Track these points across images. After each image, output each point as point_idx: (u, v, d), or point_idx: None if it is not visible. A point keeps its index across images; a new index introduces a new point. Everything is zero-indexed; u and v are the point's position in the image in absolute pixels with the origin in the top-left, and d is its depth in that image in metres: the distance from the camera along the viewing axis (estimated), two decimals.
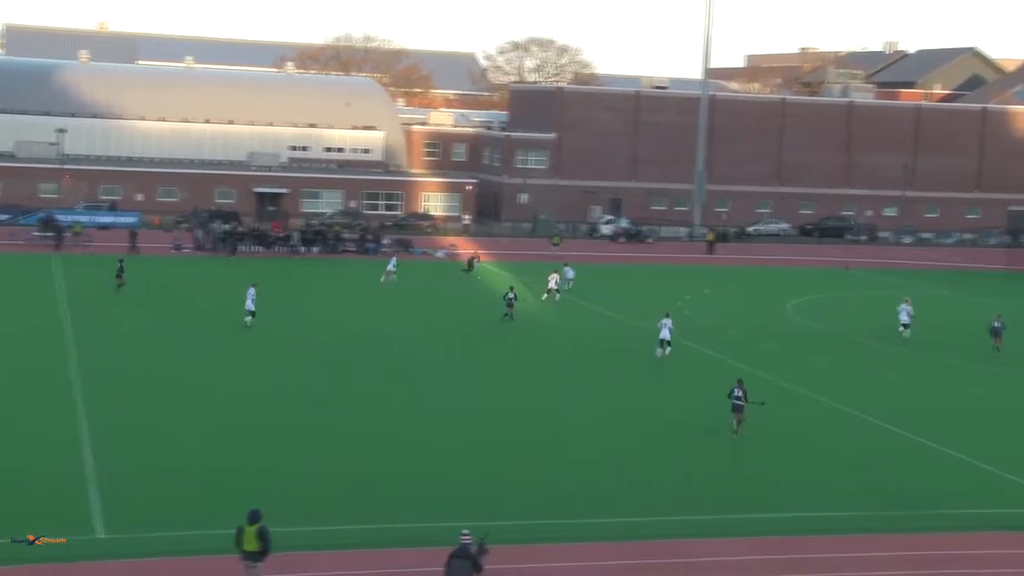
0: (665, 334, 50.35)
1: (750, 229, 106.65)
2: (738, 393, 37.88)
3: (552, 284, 64.92)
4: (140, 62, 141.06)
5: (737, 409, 37.84)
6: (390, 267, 69.51)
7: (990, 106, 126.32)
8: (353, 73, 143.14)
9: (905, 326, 57.51)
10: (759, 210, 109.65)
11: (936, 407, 44.27)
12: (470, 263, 74.74)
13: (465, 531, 23.68)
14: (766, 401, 39.22)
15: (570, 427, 38.80)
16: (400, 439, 36.33)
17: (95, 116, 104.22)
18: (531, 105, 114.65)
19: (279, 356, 47.55)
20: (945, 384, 48.68)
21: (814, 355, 52.39)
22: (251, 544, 23.97)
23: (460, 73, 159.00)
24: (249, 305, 52.88)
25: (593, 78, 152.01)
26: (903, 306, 58.59)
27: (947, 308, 67.54)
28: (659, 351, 50.40)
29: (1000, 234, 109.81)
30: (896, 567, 27.79)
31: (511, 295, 58.43)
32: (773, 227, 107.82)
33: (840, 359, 51.95)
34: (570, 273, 68.67)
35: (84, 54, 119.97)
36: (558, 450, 36.12)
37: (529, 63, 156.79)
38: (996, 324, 56.24)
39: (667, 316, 51.32)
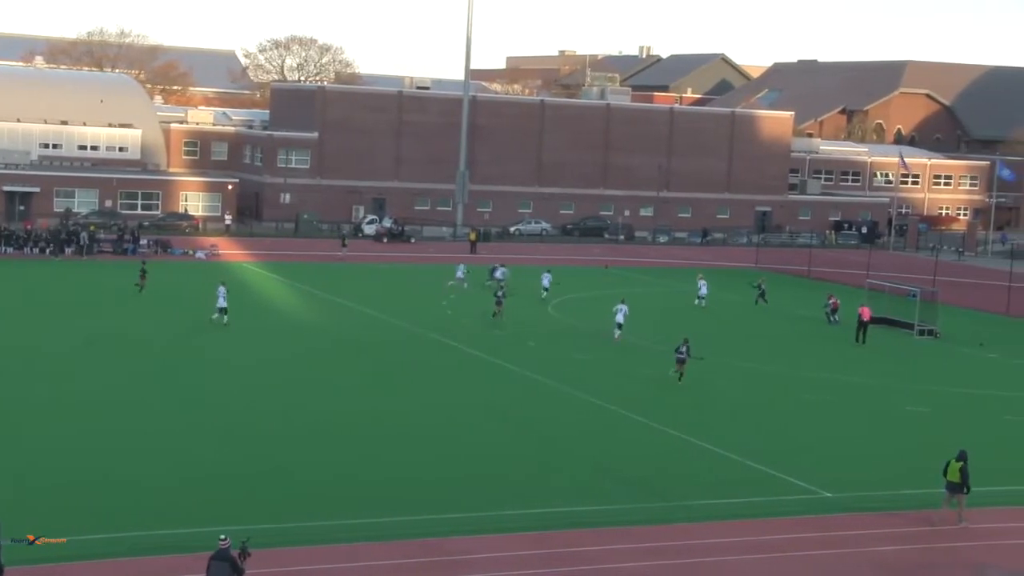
0: (620, 318, 55.86)
1: (512, 229, 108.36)
2: (682, 349, 47.26)
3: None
4: None
5: (680, 362, 47.13)
6: (459, 274, 70.65)
7: (738, 110, 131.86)
8: (107, 69, 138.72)
9: (701, 298, 68.69)
10: (521, 210, 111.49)
11: (689, 401, 45.89)
12: (493, 272, 72.20)
13: (223, 536, 23.59)
14: (704, 357, 48.36)
15: (318, 424, 38.86)
16: (157, 446, 35.73)
17: None
18: (293, 104, 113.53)
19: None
20: (698, 379, 50.57)
21: (574, 352, 53.65)
22: None
23: (220, 71, 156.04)
24: (221, 302, 54.79)
25: (355, 78, 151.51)
26: (700, 282, 69.86)
27: (699, 304, 70.02)
28: (616, 332, 55.66)
29: (748, 232, 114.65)
30: (637, 559, 28.65)
31: (500, 294, 60.78)
32: (534, 227, 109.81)
33: (599, 356, 53.38)
34: (499, 273, 70.32)
35: None
36: (312, 449, 36.11)
37: (290, 62, 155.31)
38: (761, 287, 71.18)
39: (622, 302, 56.98)
